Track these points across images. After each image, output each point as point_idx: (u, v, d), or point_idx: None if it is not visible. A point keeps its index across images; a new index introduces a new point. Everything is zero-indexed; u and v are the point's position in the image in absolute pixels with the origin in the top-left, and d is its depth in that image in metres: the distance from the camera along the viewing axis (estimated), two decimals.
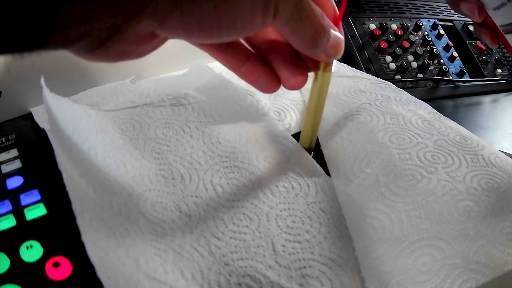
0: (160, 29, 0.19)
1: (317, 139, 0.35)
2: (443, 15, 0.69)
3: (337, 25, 0.25)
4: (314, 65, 0.27)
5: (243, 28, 0.20)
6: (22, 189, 0.31)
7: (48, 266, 0.26)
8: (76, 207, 0.25)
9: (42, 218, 0.29)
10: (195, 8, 0.18)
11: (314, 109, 0.30)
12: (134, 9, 0.17)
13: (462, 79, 0.62)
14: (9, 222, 0.28)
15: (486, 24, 0.30)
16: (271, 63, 0.27)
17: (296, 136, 0.34)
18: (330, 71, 0.28)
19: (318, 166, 0.32)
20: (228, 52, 0.26)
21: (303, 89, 0.40)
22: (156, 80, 0.41)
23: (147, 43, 0.21)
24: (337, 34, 0.25)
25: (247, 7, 0.19)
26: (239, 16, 0.20)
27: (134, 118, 0.34)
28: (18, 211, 0.29)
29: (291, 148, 0.33)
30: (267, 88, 0.27)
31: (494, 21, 0.29)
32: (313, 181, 0.31)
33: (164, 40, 0.22)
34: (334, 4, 0.26)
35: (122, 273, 0.23)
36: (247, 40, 0.27)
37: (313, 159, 0.32)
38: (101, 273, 0.23)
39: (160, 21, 0.18)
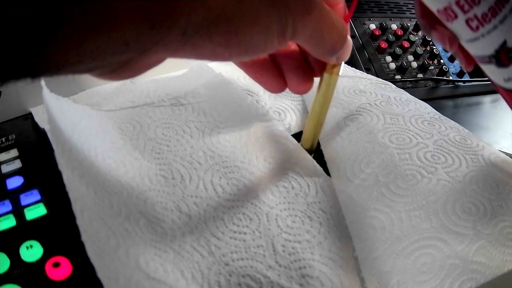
0: (171, 57, 0.19)
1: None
2: None
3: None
4: (321, 69, 0.28)
5: (255, 53, 0.20)
6: (22, 189, 0.31)
7: (48, 266, 0.26)
8: (76, 207, 0.25)
9: (42, 218, 0.29)
10: (206, 42, 0.18)
11: (319, 111, 0.30)
12: (144, 46, 0.17)
13: (462, 79, 0.62)
14: (9, 222, 0.28)
15: (462, 47, 0.29)
16: (280, 67, 0.27)
17: (296, 136, 0.34)
18: (337, 73, 0.28)
19: (318, 166, 0.32)
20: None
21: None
22: (156, 80, 0.41)
23: (158, 64, 0.21)
24: (348, 37, 0.25)
25: (261, 36, 0.19)
26: (252, 44, 0.19)
27: (134, 118, 0.34)
28: (18, 211, 0.29)
29: (291, 148, 0.33)
30: (274, 89, 0.27)
31: (468, 51, 0.28)
32: (313, 181, 0.31)
33: None
34: (345, 4, 0.26)
35: (122, 273, 0.23)
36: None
37: (313, 159, 0.32)
38: (101, 273, 0.23)
39: (172, 54, 0.18)
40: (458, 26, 0.27)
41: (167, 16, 0.16)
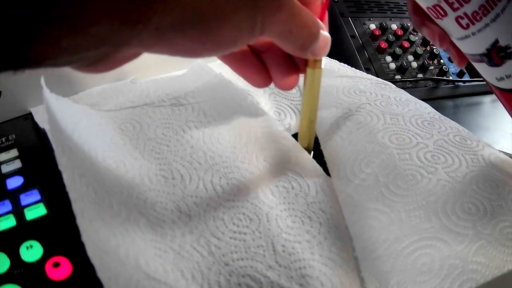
0: (147, 52, 0.20)
1: (317, 139, 0.35)
2: None
3: (323, 22, 0.25)
4: (305, 65, 0.28)
5: (226, 49, 0.21)
6: (22, 189, 0.31)
7: (48, 266, 0.26)
8: (76, 207, 0.25)
9: (42, 218, 0.29)
10: (179, 39, 0.19)
11: (308, 107, 0.30)
12: (119, 42, 0.18)
13: (462, 79, 0.62)
14: (9, 222, 0.28)
15: (454, 44, 0.28)
16: (264, 62, 0.27)
17: (296, 136, 0.34)
18: (320, 67, 0.28)
19: (318, 166, 0.32)
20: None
21: (303, 89, 0.40)
22: (156, 80, 0.41)
23: (134, 58, 0.22)
24: (325, 34, 0.25)
25: (231, 33, 0.20)
26: (223, 41, 0.20)
27: (134, 118, 0.34)
28: (18, 211, 0.29)
29: (291, 148, 0.33)
30: (258, 84, 0.28)
31: (460, 48, 0.28)
32: (313, 181, 0.31)
33: None
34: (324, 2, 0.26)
35: (122, 273, 0.23)
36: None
37: (313, 159, 0.32)
38: (101, 273, 0.23)
39: (146, 49, 0.19)
40: (448, 24, 0.27)
41: (141, 14, 0.17)
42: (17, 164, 0.33)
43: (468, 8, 0.25)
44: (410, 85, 0.58)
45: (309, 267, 0.26)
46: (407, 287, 0.25)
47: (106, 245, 0.24)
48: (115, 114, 0.35)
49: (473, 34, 0.26)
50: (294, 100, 0.40)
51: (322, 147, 0.35)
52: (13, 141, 0.35)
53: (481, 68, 0.27)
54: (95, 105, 0.37)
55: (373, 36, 0.61)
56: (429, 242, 0.26)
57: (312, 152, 0.33)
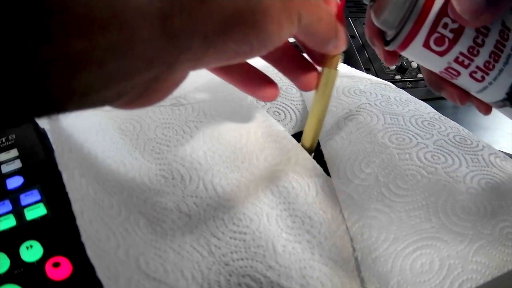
0: (197, 68, 0.19)
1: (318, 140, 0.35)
2: None
3: (339, 18, 0.26)
4: (319, 64, 0.29)
5: (273, 43, 0.21)
6: (22, 189, 0.31)
7: (48, 266, 0.26)
8: (76, 207, 0.25)
9: (42, 218, 0.29)
10: (227, 42, 0.18)
11: (319, 107, 0.30)
12: (169, 60, 0.17)
13: None
14: (9, 222, 0.28)
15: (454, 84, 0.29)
16: (281, 69, 0.29)
17: (296, 136, 0.34)
18: (336, 68, 0.28)
19: (318, 166, 0.32)
20: (227, 67, 0.28)
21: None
22: None
23: (183, 80, 0.21)
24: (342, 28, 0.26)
25: (273, 26, 0.20)
26: (267, 36, 0.20)
27: (134, 118, 0.34)
28: (18, 211, 0.29)
29: (291, 148, 0.33)
30: (269, 97, 0.29)
31: (482, 100, 0.28)
32: (313, 181, 0.31)
33: None
34: None
35: (122, 273, 0.23)
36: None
37: (313, 159, 0.32)
38: (101, 274, 0.23)
39: (197, 62, 0.19)
40: (464, 81, 0.27)
41: (185, 24, 0.16)
42: (17, 164, 0.33)
43: (479, 60, 0.25)
44: (410, 85, 0.58)
45: (310, 267, 0.26)
46: (407, 287, 0.25)
47: (106, 245, 0.24)
48: (115, 114, 0.35)
49: (490, 84, 0.26)
50: (294, 100, 0.40)
51: (322, 147, 0.35)
52: (13, 141, 0.35)
53: (506, 112, 0.28)
54: None
55: None
56: (429, 242, 0.26)
57: (312, 155, 0.33)
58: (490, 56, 0.25)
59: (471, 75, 0.26)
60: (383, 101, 0.37)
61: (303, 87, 0.29)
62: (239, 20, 0.18)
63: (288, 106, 0.39)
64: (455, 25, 0.24)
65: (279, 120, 0.37)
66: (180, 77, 0.20)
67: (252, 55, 0.21)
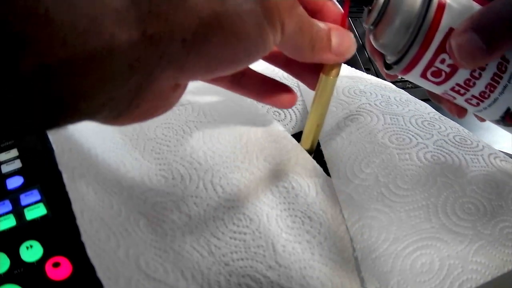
0: (182, 77, 0.19)
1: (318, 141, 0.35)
2: None
3: (343, 24, 0.25)
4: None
5: (258, 51, 0.20)
6: (22, 189, 0.31)
7: (48, 266, 0.26)
8: (76, 207, 0.25)
9: (42, 218, 0.29)
10: (208, 46, 0.18)
11: (317, 113, 0.30)
12: (149, 66, 0.17)
13: None
14: (9, 222, 0.28)
15: None
16: (293, 73, 0.29)
17: (296, 136, 0.34)
18: (335, 76, 0.28)
19: (318, 166, 0.32)
20: (244, 82, 0.28)
21: (303, 89, 0.40)
22: None
23: (172, 95, 0.21)
24: (342, 31, 0.25)
25: (256, 32, 0.19)
26: (251, 42, 0.20)
27: None
28: (18, 211, 0.29)
29: (291, 148, 0.33)
30: (289, 104, 0.30)
31: (482, 117, 0.29)
32: (313, 182, 0.31)
33: (185, 88, 0.22)
34: (335, 3, 0.26)
35: (122, 273, 0.23)
36: (269, 59, 0.29)
37: (313, 160, 0.32)
38: (101, 274, 0.23)
39: (179, 69, 0.18)
40: (461, 103, 0.27)
41: (162, 28, 0.16)
42: (17, 164, 0.33)
43: (475, 91, 0.26)
44: (410, 85, 0.58)
45: (310, 267, 0.26)
46: (407, 287, 0.25)
47: (106, 245, 0.24)
48: None
49: (485, 108, 0.27)
50: None
51: (322, 148, 0.35)
52: (13, 141, 0.35)
53: (502, 127, 0.29)
54: None
55: None
56: (429, 242, 0.26)
57: (312, 155, 0.33)
58: (486, 87, 0.25)
59: (466, 101, 0.27)
60: (383, 101, 0.37)
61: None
62: (217, 24, 0.18)
63: None
64: (453, 61, 0.25)
65: (279, 120, 0.37)
66: (166, 90, 0.20)
67: (237, 64, 0.20)
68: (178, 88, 0.21)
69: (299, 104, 0.40)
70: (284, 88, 0.29)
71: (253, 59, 0.21)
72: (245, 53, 0.20)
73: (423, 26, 0.24)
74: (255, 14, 0.19)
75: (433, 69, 0.25)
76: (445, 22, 0.24)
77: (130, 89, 0.17)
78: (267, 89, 0.29)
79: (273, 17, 0.20)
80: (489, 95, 0.26)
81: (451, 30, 0.24)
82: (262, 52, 0.21)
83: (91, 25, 0.14)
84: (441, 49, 0.24)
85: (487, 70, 0.25)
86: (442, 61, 0.25)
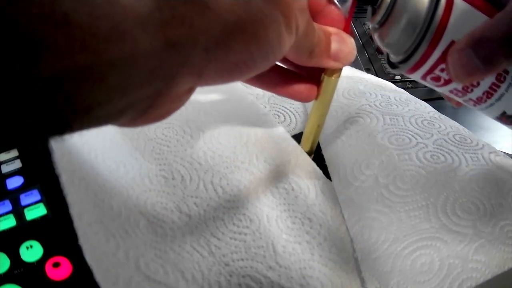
0: (200, 82, 0.19)
1: (318, 143, 0.35)
2: None
3: (346, 28, 0.26)
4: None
5: (275, 55, 0.20)
6: (22, 189, 0.31)
7: (48, 266, 0.26)
8: (75, 211, 0.25)
9: (42, 218, 0.29)
10: (229, 53, 0.18)
11: (318, 112, 0.30)
12: (170, 73, 0.16)
13: None
14: (9, 222, 0.28)
15: None
16: (306, 73, 0.28)
17: (297, 137, 0.34)
18: (337, 77, 0.28)
19: (318, 169, 0.32)
20: (263, 75, 0.27)
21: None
22: None
23: (187, 96, 0.21)
24: (342, 37, 0.25)
25: (275, 35, 0.19)
26: (269, 46, 0.19)
27: None
28: (18, 211, 0.29)
29: (291, 150, 0.33)
30: (308, 97, 0.29)
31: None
32: (313, 184, 0.31)
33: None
34: (337, 5, 0.26)
35: (122, 275, 0.23)
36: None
37: (313, 162, 0.32)
38: (99, 277, 0.23)
39: (198, 75, 0.18)
40: (460, 100, 0.28)
41: (186, 35, 0.16)
42: (17, 164, 0.33)
43: (473, 96, 0.26)
44: (410, 85, 0.58)
45: (310, 267, 0.26)
46: (407, 287, 0.25)
47: (105, 247, 0.24)
48: None
49: (481, 109, 0.27)
50: (294, 103, 0.40)
51: (323, 151, 0.35)
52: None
53: (502, 124, 0.29)
54: None
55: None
56: (429, 242, 0.26)
57: (312, 156, 0.33)
58: (483, 94, 0.26)
59: (465, 101, 0.27)
60: (383, 102, 0.37)
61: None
62: (240, 30, 0.18)
63: (288, 109, 0.39)
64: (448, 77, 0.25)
65: (279, 122, 0.37)
66: (182, 94, 0.20)
67: (253, 70, 0.20)
68: (192, 91, 0.21)
69: (299, 107, 0.40)
70: (303, 80, 0.28)
71: (270, 64, 0.21)
72: (262, 59, 0.20)
73: (431, 27, 0.24)
74: (276, 20, 0.19)
75: (432, 75, 0.26)
76: (448, 34, 0.24)
77: (149, 95, 0.17)
78: (286, 81, 0.28)
79: (290, 22, 0.20)
80: (485, 101, 0.26)
81: (452, 42, 0.24)
82: (278, 56, 0.21)
83: (113, 31, 0.14)
84: (442, 59, 0.24)
85: (486, 80, 0.25)
86: (442, 70, 0.25)
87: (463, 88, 0.26)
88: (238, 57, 0.19)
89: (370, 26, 0.28)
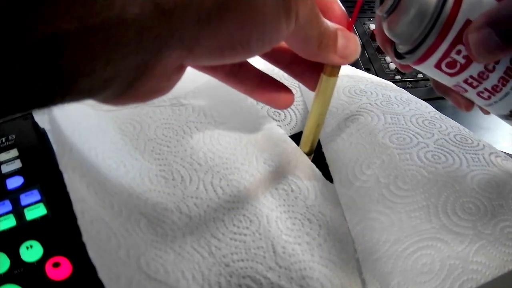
0: (189, 59, 0.18)
1: (319, 142, 0.35)
2: None
3: (348, 28, 0.25)
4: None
5: (270, 40, 0.20)
6: (22, 189, 0.31)
7: (48, 266, 0.26)
8: (77, 208, 0.25)
9: (42, 218, 0.29)
10: (221, 28, 0.18)
11: (318, 111, 0.30)
12: (159, 41, 0.16)
13: None
14: (9, 222, 0.28)
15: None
16: (294, 74, 0.28)
17: (296, 136, 0.34)
18: (336, 76, 0.27)
19: (317, 170, 0.32)
20: (241, 75, 0.27)
21: (303, 89, 0.40)
22: None
23: (173, 78, 0.20)
24: (348, 33, 0.25)
25: (272, 17, 0.19)
26: (266, 27, 0.19)
27: (134, 118, 0.34)
28: (18, 211, 0.29)
29: (290, 151, 0.33)
30: (284, 104, 0.29)
31: (490, 111, 0.29)
32: (312, 185, 0.31)
33: (184, 71, 0.21)
34: (340, 5, 0.26)
35: (123, 274, 0.23)
36: (270, 58, 0.28)
37: (312, 163, 0.32)
38: (102, 274, 0.23)
39: (188, 49, 0.18)
40: (471, 96, 0.27)
41: (177, 2, 0.15)
42: (17, 164, 0.33)
43: (488, 84, 0.26)
44: (410, 85, 0.58)
45: (310, 268, 0.26)
46: None
47: (107, 246, 0.24)
48: (115, 114, 0.35)
49: (495, 102, 0.27)
50: (294, 102, 0.40)
51: (324, 150, 0.34)
52: (13, 141, 0.35)
53: (509, 123, 0.28)
54: (95, 105, 0.37)
55: (373, 36, 0.61)
56: (430, 242, 0.26)
57: (312, 156, 0.33)
58: (498, 81, 0.25)
59: (478, 94, 0.27)
60: (383, 101, 0.37)
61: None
62: (234, 5, 0.17)
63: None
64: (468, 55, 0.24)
65: (279, 121, 0.37)
66: (170, 71, 0.19)
67: (246, 51, 0.20)
68: (181, 70, 0.20)
69: (299, 104, 0.39)
70: (281, 88, 0.28)
71: (265, 48, 0.20)
72: (258, 41, 0.19)
73: (441, 16, 0.24)
74: (274, 1, 0.18)
75: (448, 59, 0.25)
76: (463, 13, 0.23)
77: (135, 65, 0.16)
78: (264, 86, 0.28)
79: (290, 5, 0.19)
80: (501, 89, 0.25)
81: (468, 21, 0.23)
82: (274, 41, 0.20)
83: None
84: (458, 40, 0.24)
85: (501, 63, 0.25)
86: (458, 52, 0.24)
87: (478, 75, 0.25)
88: (232, 32, 0.18)
89: (377, 15, 0.28)
